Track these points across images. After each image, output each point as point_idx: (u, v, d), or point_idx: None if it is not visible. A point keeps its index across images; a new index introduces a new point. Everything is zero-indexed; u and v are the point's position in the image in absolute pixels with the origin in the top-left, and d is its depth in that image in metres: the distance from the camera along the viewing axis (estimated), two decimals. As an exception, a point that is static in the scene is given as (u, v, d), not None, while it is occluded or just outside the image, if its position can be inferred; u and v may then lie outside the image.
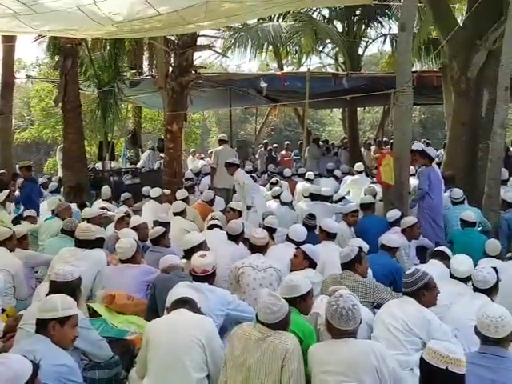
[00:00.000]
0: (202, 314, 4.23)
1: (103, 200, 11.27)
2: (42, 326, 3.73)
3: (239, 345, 3.83)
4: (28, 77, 22.26)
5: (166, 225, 7.60)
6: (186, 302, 4.16)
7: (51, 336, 3.70)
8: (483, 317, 3.77)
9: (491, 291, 5.02)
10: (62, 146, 15.26)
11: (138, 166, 17.78)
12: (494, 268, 5.25)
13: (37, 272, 7.51)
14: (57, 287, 4.34)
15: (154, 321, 4.31)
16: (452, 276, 5.57)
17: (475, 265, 5.66)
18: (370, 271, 5.81)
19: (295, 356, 3.68)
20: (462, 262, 5.57)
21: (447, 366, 3.14)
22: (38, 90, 24.20)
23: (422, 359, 3.28)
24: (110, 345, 4.66)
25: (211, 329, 4.14)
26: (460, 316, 4.82)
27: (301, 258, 5.94)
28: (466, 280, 5.48)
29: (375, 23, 21.63)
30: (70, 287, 4.36)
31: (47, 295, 4.25)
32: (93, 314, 5.37)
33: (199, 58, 14.77)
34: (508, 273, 5.78)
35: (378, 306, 5.18)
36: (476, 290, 5.07)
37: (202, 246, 6.06)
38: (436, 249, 6.86)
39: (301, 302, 4.42)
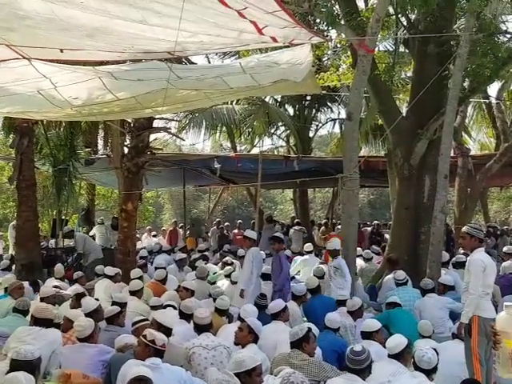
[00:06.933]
0: (157, 392, 4.39)
1: (56, 278, 11.22)
2: (6, 403, 3.84)
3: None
4: (-19, 155, 22.11)
5: (123, 305, 7.66)
6: (142, 381, 4.33)
7: (14, 412, 3.81)
8: None
9: (433, 371, 5.33)
10: (14, 223, 15.21)
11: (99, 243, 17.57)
12: (434, 349, 5.60)
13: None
14: (17, 365, 4.44)
15: (112, 398, 4.46)
16: (389, 355, 5.75)
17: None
18: (319, 350, 6.02)
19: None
20: (398, 343, 5.74)
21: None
22: (-12, 167, 23.96)
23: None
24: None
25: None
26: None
27: (246, 332, 6.02)
28: (399, 357, 5.69)
29: (325, 108, 22.70)
30: (30, 366, 4.47)
31: (7, 373, 4.38)
32: (48, 392, 5.45)
33: (155, 139, 15.03)
34: (446, 353, 6.12)
35: (325, 384, 5.39)
36: (417, 368, 5.37)
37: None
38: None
39: (245, 378, 4.57)
